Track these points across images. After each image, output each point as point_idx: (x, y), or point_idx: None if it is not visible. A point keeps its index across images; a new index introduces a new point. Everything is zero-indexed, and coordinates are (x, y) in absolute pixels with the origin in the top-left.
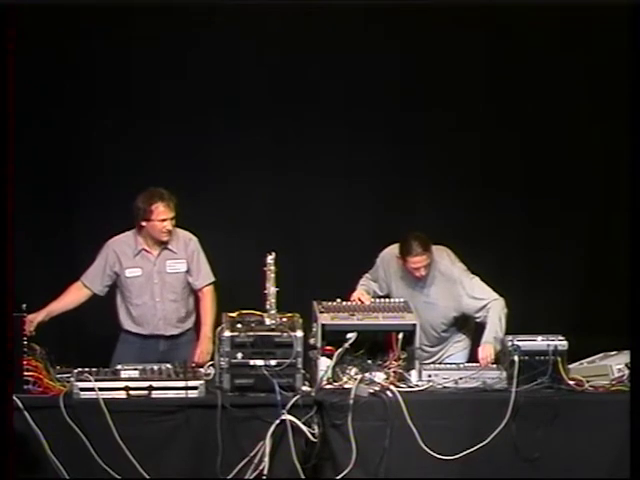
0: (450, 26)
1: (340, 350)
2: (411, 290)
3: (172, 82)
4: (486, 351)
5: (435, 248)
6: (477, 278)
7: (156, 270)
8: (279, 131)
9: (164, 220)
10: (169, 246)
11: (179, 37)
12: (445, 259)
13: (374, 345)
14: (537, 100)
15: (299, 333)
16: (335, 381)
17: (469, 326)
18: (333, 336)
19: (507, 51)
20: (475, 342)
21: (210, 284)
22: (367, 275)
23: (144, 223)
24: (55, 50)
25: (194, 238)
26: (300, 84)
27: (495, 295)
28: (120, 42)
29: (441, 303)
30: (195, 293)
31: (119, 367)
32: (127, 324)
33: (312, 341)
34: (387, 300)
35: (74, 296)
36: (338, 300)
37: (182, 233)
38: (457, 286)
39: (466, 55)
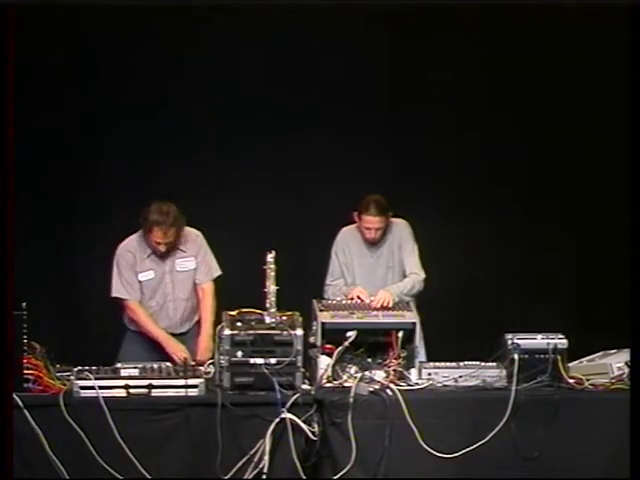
0: (450, 25)
1: (340, 348)
2: (373, 260)
3: (172, 82)
4: (381, 294)
5: (396, 220)
6: (417, 250)
7: (167, 270)
8: (279, 130)
9: (159, 243)
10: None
11: (179, 37)
12: (401, 225)
13: (374, 343)
14: (537, 101)
15: (299, 331)
16: (335, 379)
17: None
18: (333, 334)
19: (507, 51)
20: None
21: (212, 280)
22: (329, 282)
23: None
24: (54, 51)
25: (200, 234)
26: (301, 84)
27: (421, 272)
28: (120, 42)
29: (399, 265)
30: (196, 289)
31: (119, 365)
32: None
33: (312, 339)
34: None
35: (145, 312)
36: (338, 298)
37: (188, 231)
38: (403, 247)
39: (466, 55)
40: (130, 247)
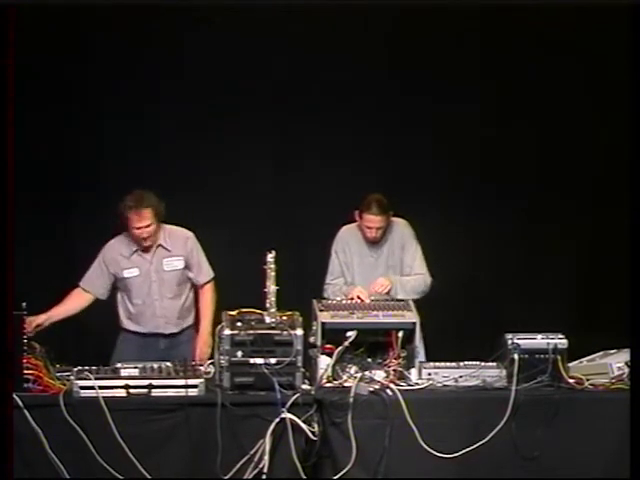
0: (450, 25)
1: (340, 348)
2: (372, 260)
3: (172, 81)
4: (380, 280)
5: (397, 220)
6: (420, 251)
7: (153, 269)
8: (279, 130)
9: (139, 228)
10: (162, 243)
11: (179, 37)
12: (401, 224)
13: (374, 343)
14: (537, 101)
15: (299, 331)
16: (335, 379)
17: None
18: (333, 334)
19: (506, 51)
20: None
21: (211, 280)
22: (329, 281)
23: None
24: (54, 51)
25: (191, 235)
26: (301, 83)
27: (427, 275)
28: (120, 42)
29: (399, 264)
30: (195, 289)
31: (119, 365)
32: (127, 323)
33: (312, 339)
34: (387, 298)
35: (76, 302)
36: (338, 298)
37: (178, 231)
38: (406, 248)
39: (466, 55)
40: (114, 244)
